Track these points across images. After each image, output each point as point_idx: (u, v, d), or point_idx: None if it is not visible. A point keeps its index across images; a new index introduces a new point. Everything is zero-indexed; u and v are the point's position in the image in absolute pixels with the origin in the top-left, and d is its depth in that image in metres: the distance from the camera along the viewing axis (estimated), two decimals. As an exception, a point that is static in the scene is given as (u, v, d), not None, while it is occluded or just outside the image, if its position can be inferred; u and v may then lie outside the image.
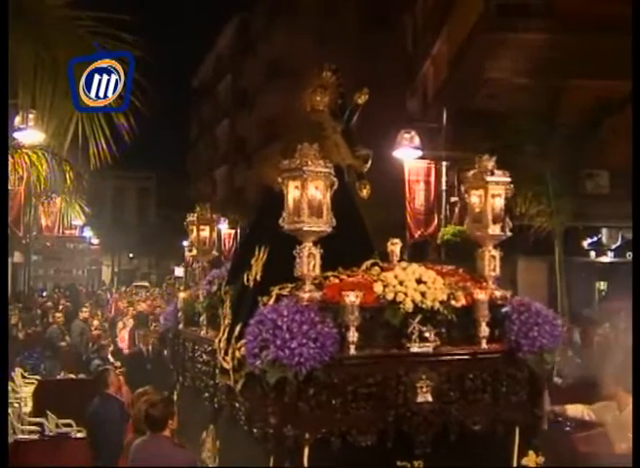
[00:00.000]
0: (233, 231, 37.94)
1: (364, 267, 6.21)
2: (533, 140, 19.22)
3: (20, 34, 7.66)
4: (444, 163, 23.00)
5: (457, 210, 23.28)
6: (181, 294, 8.09)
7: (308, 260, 5.69)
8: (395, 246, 6.72)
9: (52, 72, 7.77)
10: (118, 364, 13.80)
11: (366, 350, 5.66)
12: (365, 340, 5.64)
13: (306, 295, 5.66)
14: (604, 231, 23.63)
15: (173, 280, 44.56)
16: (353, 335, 5.55)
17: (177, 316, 8.19)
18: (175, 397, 8.13)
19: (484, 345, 5.97)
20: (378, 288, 5.76)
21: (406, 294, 5.70)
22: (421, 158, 22.90)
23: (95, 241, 49.58)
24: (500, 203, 6.25)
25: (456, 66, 25.10)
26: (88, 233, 45.20)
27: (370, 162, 7.14)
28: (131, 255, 59.09)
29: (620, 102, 17.30)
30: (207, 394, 7.05)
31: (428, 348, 5.75)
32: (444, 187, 23.08)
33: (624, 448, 7.34)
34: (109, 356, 15.18)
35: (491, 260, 6.26)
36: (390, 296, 5.71)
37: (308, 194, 5.68)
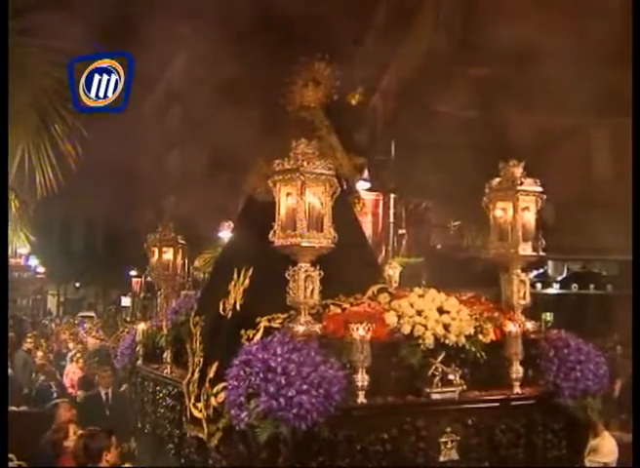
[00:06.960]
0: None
1: (370, 293, 4.83)
2: (479, 173, 18.26)
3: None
4: (392, 195, 22.01)
5: (404, 242, 22.31)
6: (141, 326, 6.57)
7: (305, 285, 4.30)
8: (394, 270, 5.39)
9: None
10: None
11: (377, 398, 4.29)
12: (375, 385, 4.26)
13: (302, 329, 4.28)
14: (550, 263, 22.77)
15: (114, 310, 42.39)
16: (363, 379, 4.19)
17: (134, 350, 6.65)
18: (133, 444, 6.64)
19: (517, 389, 4.66)
20: (391, 319, 4.41)
21: (426, 327, 4.39)
22: (369, 190, 21.87)
23: (40, 270, 47.10)
24: (530, 217, 4.96)
25: (404, 100, 24.11)
26: (33, 262, 42.75)
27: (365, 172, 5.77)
28: (77, 285, 56.56)
29: (562, 136, 16.58)
30: (171, 445, 5.57)
31: (453, 394, 4.42)
32: (392, 219, 22.06)
33: None
34: (53, 388, 13.49)
35: (520, 286, 4.97)
36: (407, 329, 4.38)
37: (306, 202, 4.30)
